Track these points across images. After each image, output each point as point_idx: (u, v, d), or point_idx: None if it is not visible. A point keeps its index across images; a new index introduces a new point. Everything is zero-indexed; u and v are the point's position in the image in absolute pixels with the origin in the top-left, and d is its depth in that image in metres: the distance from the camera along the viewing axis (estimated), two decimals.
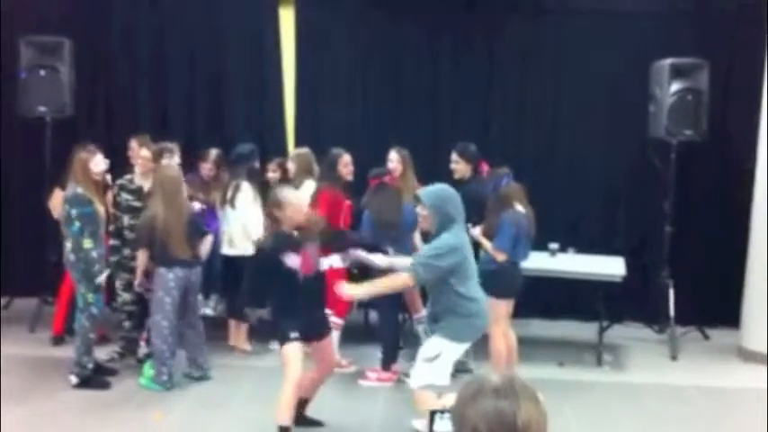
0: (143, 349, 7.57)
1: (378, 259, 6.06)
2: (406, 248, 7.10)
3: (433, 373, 5.48)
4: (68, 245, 6.77)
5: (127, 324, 7.52)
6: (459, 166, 7.55)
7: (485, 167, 7.56)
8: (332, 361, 6.17)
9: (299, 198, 5.84)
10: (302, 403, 6.06)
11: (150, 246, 6.89)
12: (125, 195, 7.36)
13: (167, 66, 9.46)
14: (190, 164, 8.02)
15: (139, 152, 7.47)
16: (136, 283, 7.11)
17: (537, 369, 7.42)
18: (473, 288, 5.56)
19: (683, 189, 8.53)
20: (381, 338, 7.39)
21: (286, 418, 5.64)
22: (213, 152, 8.24)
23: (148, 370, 7.00)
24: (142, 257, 6.97)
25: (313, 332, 5.87)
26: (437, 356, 5.48)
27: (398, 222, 7.08)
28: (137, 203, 7.35)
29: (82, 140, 7.38)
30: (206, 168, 8.22)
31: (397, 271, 5.71)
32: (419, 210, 5.65)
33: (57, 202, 7.79)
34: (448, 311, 5.48)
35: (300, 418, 6.04)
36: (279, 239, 5.75)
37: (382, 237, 6.99)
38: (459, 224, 5.54)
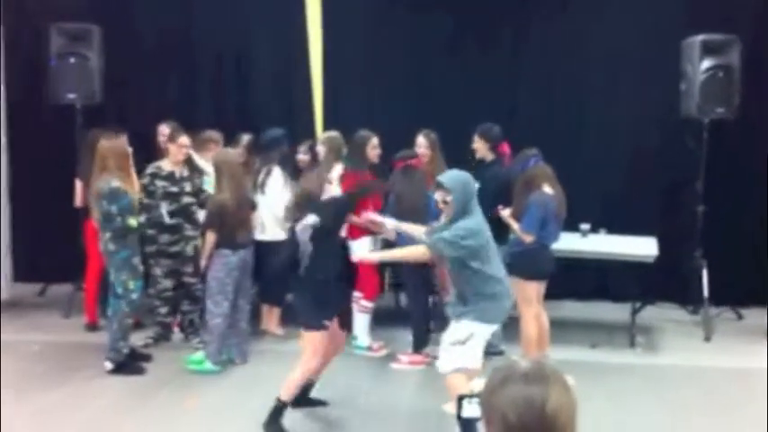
0: (177, 335, 7.66)
1: (387, 222, 6.17)
2: None
3: (465, 356, 5.47)
4: (107, 235, 6.81)
5: (163, 310, 7.58)
6: (478, 146, 7.50)
7: (506, 150, 7.51)
8: (343, 338, 6.23)
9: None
10: (309, 386, 6.20)
11: (219, 229, 6.93)
12: (160, 183, 7.39)
13: (195, 52, 9.50)
14: None
15: (179, 139, 7.48)
16: (203, 264, 7.09)
17: (569, 351, 7.41)
18: (497, 268, 5.57)
19: (715, 168, 8.42)
20: (412, 321, 7.38)
21: (290, 395, 5.83)
22: (245, 137, 8.23)
23: (196, 355, 7.09)
24: (211, 240, 6.96)
25: (338, 311, 6.02)
26: (468, 339, 5.46)
27: (422, 207, 7.03)
28: (174, 189, 7.40)
29: (110, 127, 7.48)
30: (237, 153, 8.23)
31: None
32: (438, 196, 5.57)
33: (79, 192, 7.90)
34: (475, 294, 5.47)
35: (306, 400, 6.18)
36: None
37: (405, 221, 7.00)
38: (477, 209, 5.52)
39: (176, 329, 7.77)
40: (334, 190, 6.03)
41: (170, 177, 7.43)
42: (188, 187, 7.47)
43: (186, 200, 7.46)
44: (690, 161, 8.48)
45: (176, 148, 7.45)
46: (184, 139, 7.48)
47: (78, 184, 8.00)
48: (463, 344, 5.47)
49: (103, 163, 6.81)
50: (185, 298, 7.59)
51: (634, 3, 8.85)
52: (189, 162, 7.61)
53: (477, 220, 5.46)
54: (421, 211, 7.01)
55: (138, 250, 7.06)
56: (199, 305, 7.55)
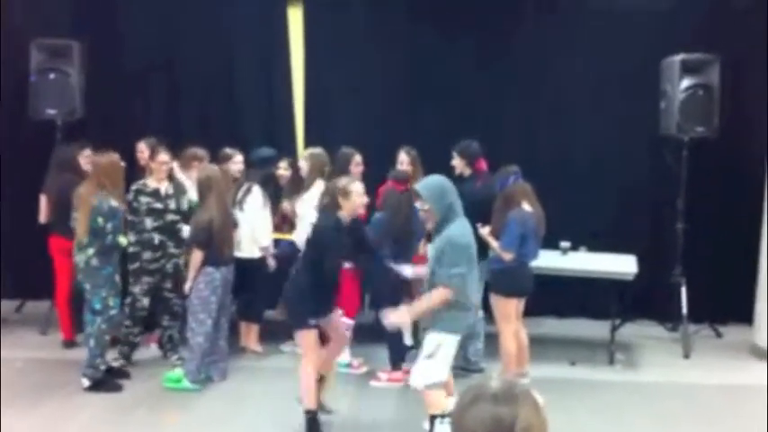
0: (152, 351, 7.61)
1: (406, 271, 6.26)
2: (410, 255, 7.09)
3: (432, 369, 5.50)
4: (90, 251, 6.75)
5: (135, 330, 7.50)
6: (457, 163, 7.55)
7: (482, 166, 7.52)
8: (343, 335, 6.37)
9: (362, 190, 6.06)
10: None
11: (205, 246, 6.89)
12: (144, 199, 7.35)
13: (177, 67, 9.48)
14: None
15: (158, 157, 7.46)
16: (187, 285, 7.01)
17: (549, 368, 7.43)
18: (471, 277, 5.58)
19: (695, 186, 8.47)
20: (386, 339, 7.37)
21: (312, 400, 5.96)
22: (233, 152, 8.09)
23: (174, 372, 7.03)
24: (198, 258, 6.90)
25: (328, 311, 6.18)
26: (436, 351, 5.48)
27: (413, 226, 7.09)
28: (158, 205, 7.37)
29: (77, 141, 7.54)
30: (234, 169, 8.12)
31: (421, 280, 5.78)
32: (419, 205, 5.67)
33: (43, 208, 7.86)
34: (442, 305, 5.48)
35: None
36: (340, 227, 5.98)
37: (395, 245, 6.99)
38: (461, 215, 5.55)
39: (154, 345, 7.72)
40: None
41: (155, 194, 7.41)
42: (173, 204, 7.45)
43: (171, 217, 7.43)
44: (670, 179, 8.52)
45: (157, 166, 7.43)
46: (164, 156, 7.46)
47: (43, 200, 7.94)
48: (433, 357, 5.49)
49: (100, 180, 6.79)
50: (165, 313, 7.55)
51: (616, 22, 8.87)
52: (173, 179, 7.58)
53: (460, 224, 5.51)
54: (411, 235, 7.06)
55: (119, 267, 7.03)
56: (178, 320, 7.53)
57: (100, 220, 6.70)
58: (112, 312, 6.88)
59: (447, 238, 5.43)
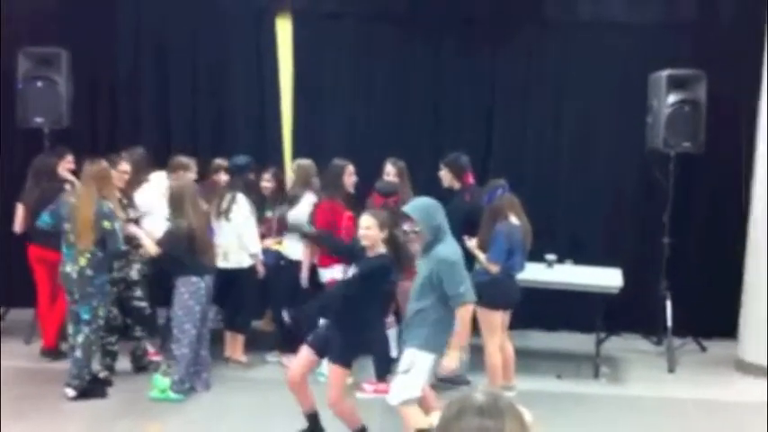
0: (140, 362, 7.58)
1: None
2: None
3: (407, 386, 5.49)
4: (83, 260, 6.71)
5: (112, 339, 7.41)
6: (444, 175, 7.57)
7: (469, 179, 7.54)
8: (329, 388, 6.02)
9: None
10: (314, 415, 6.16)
11: (179, 254, 6.87)
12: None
13: (166, 76, 9.44)
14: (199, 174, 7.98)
15: (119, 166, 7.44)
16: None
17: (535, 381, 7.43)
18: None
19: (680, 201, 8.50)
20: (372, 350, 7.35)
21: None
22: (223, 163, 8.10)
23: (161, 381, 6.97)
24: (154, 254, 6.98)
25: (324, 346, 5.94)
26: (410, 368, 5.48)
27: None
28: (120, 214, 7.33)
29: (54, 150, 7.55)
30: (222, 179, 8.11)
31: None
32: (407, 227, 5.65)
33: (20, 218, 7.81)
34: (422, 320, 5.50)
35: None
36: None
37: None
38: (449, 233, 5.57)
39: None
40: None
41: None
42: (132, 213, 7.43)
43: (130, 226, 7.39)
44: (657, 193, 8.56)
45: (118, 174, 7.41)
46: (124, 166, 7.48)
47: (20, 209, 7.88)
48: (407, 373, 5.48)
49: (105, 187, 6.79)
50: (137, 324, 7.51)
51: (604, 37, 8.91)
52: (122, 190, 7.51)
53: (449, 243, 5.52)
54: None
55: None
56: (149, 328, 7.57)
57: (106, 223, 6.66)
58: (101, 323, 6.86)
59: (440, 260, 5.44)
